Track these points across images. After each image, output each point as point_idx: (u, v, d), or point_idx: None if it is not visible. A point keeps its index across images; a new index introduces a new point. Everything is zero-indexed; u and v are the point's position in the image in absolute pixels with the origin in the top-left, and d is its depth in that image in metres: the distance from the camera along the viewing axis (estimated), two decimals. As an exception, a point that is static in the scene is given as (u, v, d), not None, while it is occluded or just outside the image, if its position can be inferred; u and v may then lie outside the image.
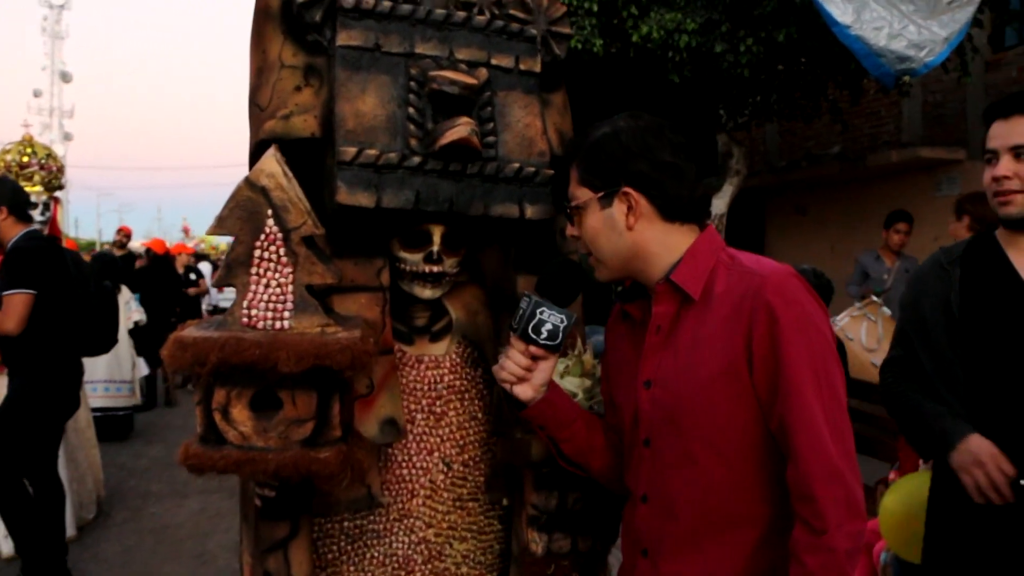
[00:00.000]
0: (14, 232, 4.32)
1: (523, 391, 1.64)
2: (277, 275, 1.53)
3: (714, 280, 1.56)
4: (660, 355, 1.59)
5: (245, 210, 1.53)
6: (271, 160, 1.55)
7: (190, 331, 1.50)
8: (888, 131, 10.78)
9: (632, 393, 1.64)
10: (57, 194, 5.63)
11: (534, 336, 1.60)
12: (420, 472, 1.87)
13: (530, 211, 1.84)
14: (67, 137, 34.14)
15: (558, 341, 1.61)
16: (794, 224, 11.98)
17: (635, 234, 1.59)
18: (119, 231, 11.41)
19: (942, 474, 2.19)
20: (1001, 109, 2.11)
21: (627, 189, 1.57)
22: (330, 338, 1.48)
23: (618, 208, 1.58)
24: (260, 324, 1.52)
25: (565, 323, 1.61)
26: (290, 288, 1.54)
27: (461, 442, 1.91)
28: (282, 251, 1.54)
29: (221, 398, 1.49)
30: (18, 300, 4.13)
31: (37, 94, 33.12)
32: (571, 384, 1.85)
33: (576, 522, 1.88)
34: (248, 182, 1.53)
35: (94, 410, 6.56)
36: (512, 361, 1.63)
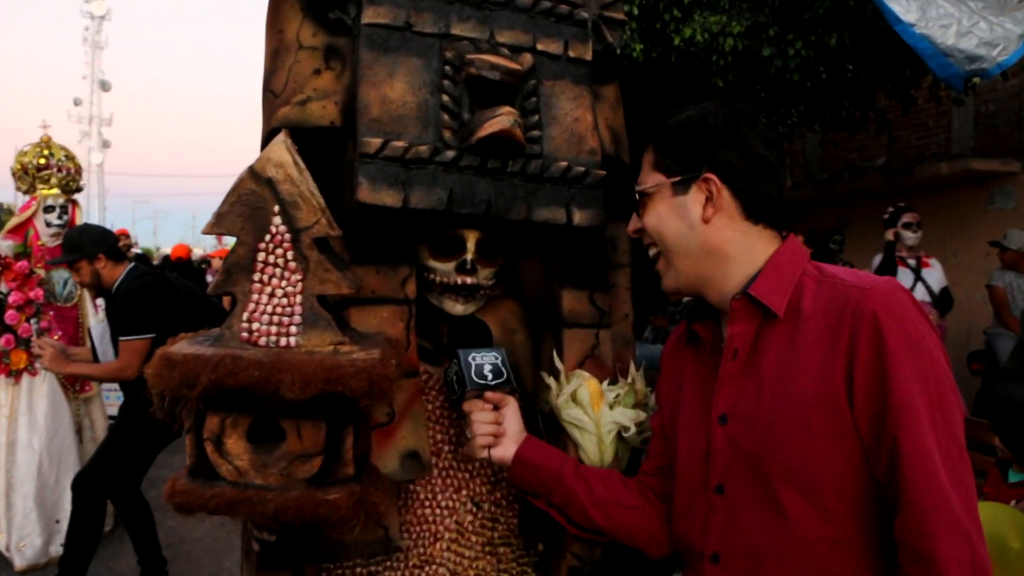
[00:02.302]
0: (116, 274, 4.35)
1: (504, 451, 1.55)
2: (284, 283, 1.30)
3: (800, 295, 1.33)
4: (738, 384, 1.35)
5: (248, 206, 1.30)
6: (280, 147, 1.31)
7: (180, 346, 1.27)
8: (937, 142, 10.43)
9: (701, 430, 1.40)
10: (75, 196, 5.51)
11: (482, 381, 1.53)
12: (445, 512, 1.64)
13: (578, 217, 1.62)
14: (105, 144, 34.70)
15: (506, 377, 1.56)
16: (836, 238, 11.62)
17: (710, 229, 1.38)
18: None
19: None
20: None
21: (710, 175, 1.36)
22: (344, 359, 1.25)
23: (694, 196, 1.38)
24: (262, 340, 1.29)
25: (500, 358, 1.58)
26: (298, 299, 1.31)
27: (493, 479, 1.68)
28: (290, 255, 1.30)
29: (214, 426, 1.27)
30: (137, 346, 4.15)
31: (77, 102, 33.70)
32: (622, 417, 1.60)
33: (621, 574, 1.64)
34: (252, 173, 1.30)
35: (111, 418, 6.40)
36: (478, 422, 1.54)
